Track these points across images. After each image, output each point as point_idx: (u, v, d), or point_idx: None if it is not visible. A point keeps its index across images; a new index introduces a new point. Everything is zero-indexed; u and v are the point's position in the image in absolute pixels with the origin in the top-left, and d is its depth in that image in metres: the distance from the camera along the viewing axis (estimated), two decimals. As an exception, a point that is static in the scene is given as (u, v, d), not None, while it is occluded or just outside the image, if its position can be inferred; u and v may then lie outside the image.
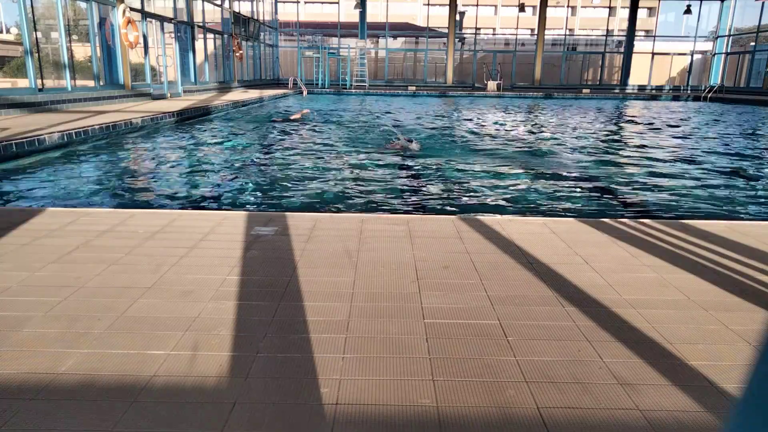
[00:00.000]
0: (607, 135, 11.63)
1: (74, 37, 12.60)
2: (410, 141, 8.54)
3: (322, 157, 7.61)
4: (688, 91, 29.65)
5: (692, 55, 33.34)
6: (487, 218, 3.81)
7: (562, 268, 2.81)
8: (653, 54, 33.00)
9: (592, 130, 12.48)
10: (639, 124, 14.39)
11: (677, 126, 13.80)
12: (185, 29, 18.06)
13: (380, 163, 7.32)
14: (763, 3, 27.39)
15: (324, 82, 27.73)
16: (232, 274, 2.64)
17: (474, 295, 2.45)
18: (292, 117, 12.52)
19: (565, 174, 6.81)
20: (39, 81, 10.49)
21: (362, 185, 5.89)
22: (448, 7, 29.75)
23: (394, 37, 35.46)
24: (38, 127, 7.80)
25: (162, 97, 15.62)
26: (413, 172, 6.71)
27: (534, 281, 2.64)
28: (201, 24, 19.70)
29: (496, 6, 46.44)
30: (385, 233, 3.37)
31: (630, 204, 5.43)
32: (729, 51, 31.42)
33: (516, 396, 1.70)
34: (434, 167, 7.04)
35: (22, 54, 10.39)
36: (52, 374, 1.76)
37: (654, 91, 30.38)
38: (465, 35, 35.43)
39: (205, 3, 20.14)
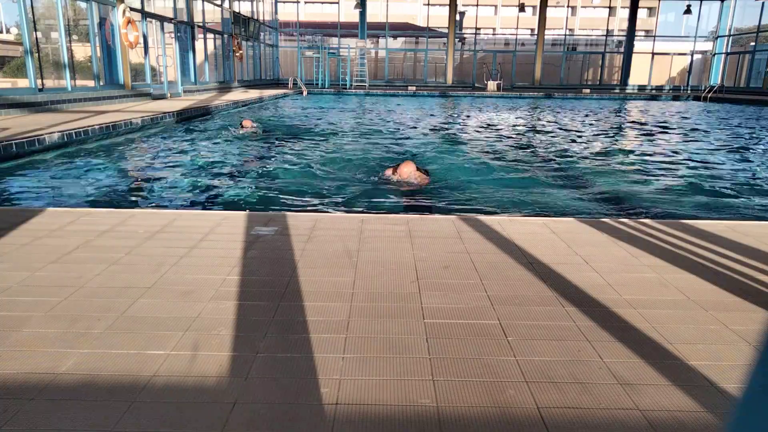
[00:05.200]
0: (607, 135, 11.62)
1: (74, 37, 12.60)
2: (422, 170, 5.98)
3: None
4: (688, 91, 29.64)
5: (692, 55, 33.34)
6: (487, 218, 3.81)
7: (562, 268, 2.81)
8: (653, 54, 33.00)
9: (592, 130, 12.48)
10: (639, 123, 14.39)
11: (677, 126, 13.79)
12: (185, 29, 18.06)
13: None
14: (763, 3, 27.38)
15: (324, 82, 27.72)
16: (232, 274, 2.64)
17: (474, 295, 2.45)
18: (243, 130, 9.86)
19: (565, 174, 6.81)
20: (39, 81, 10.49)
21: (361, 187, 5.88)
22: (448, 7, 29.75)
23: (394, 37, 35.46)
24: (38, 127, 7.80)
25: (162, 97, 15.62)
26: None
27: (534, 281, 2.64)
28: (201, 24, 19.70)
29: (496, 6, 46.43)
30: (385, 233, 3.37)
31: (630, 204, 5.43)
32: (729, 51, 31.42)
33: (516, 396, 1.70)
34: (434, 166, 7.04)
35: (22, 54, 10.39)
36: (52, 374, 1.76)
37: (654, 91, 30.37)
38: (465, 35, 35.45)
39: (205, 3, 20.14)
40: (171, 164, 6.97)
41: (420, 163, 6.74)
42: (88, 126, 8.25)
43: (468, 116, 15.65)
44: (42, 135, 7.17)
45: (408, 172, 5.69)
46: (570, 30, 38.21)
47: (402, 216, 3.88)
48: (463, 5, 36.06)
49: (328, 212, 4.63)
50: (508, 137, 10.62)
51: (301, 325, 2.13)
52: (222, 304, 2.30)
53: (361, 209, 4.91)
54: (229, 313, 2.23)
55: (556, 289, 2.55)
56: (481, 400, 1.67)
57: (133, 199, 5.32)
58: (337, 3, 33.38)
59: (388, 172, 5.96)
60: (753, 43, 29.63)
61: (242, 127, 9.91)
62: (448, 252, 3.03)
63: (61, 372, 1.77)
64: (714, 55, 32.07)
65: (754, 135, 12.01)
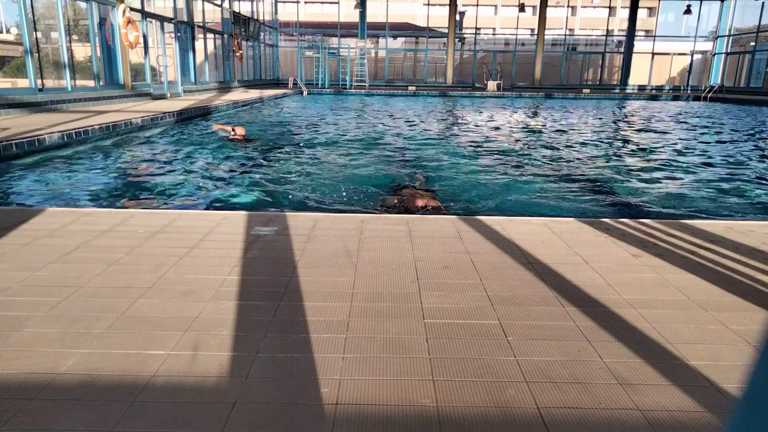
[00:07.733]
0: (607, 135, 11.62)
1: (74, 37, 12.60)
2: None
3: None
4: (688, 91, 29.64)
5: (692, 55, 33.33)
6: (487, 218, 3.80)
7: (562, 268, 2.81)
8: (653, 54, 33.00)
9: (592, 130, 12.48)
10: (639, 124, 14.39)
11: (677, 126, 13.79)
12: (185, 29, 18.06)
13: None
14: (763, 3, 27.39)
15: (324, 82, 27.73)
16: (232, 274, 2.64)
17: (474, 295, 2.45)
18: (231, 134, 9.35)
19: (565, 174, 6.80)
20: (39, 81, 10.49)
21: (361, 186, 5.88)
22: (448, 7, 29.75)
23: (394, 37, 35.45)
24: (38, 127, 7.80)
25: (162, 97, 15.61)
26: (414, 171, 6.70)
27: (534, 281, 2.63)
28: (201, 24, 19.70)
29: (496, 6, 46.44)
30: (385, 233, 3.37)
31: (630, 204, 5.43)
32: (729, 51, 31.42)
33: (516, 396, 1.70)
34: (434, 165, 7.04)
35: (22, 54, 10.39)
36: (52, 374, 1.76)
37: (654, 91, 30.38)
38: (465, 35, 35.43)
39: (205, 3, 20.13)
40: (171, 164, 6.97)
41: (419, 164, 6.74)
42: (88, 126, 8.25)
43: (468, 117, 15.65)
44: (42, 135, 7.17)
45: (421, 204, 4.95)
46: (570, 30, 38.19)
47: (402, 216, 3.88)
48: (463, 5, 36.05)
49: (328, 212, 4.62)
50: (508, 137, 10.61)
51: (301, 325, 2.13)
52: (222, 304, 2.30)
53: (360, 209, 4.91)
54: (229, 313, 2.23)
55: (556, 289, 2.55)
56: (481, 400, 1.67)
57: (133, 199, 5.32)
58: (337, 3, 33.36)
59: (394, 200, 5.21)
60: (753, 43, 29.63)
61: (235, 133, 9.75)
62: (448, 252, 3.03)
63: (61, 372, 1.77)
64: (714, 55, 32.07)
65: (754, 135, 12.00)
